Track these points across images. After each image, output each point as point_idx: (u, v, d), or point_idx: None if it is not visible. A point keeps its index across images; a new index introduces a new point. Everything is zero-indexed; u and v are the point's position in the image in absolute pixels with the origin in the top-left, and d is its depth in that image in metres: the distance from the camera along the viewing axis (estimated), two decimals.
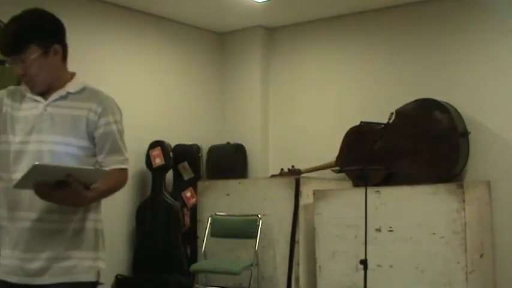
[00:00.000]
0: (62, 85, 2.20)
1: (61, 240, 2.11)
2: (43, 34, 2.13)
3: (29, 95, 2.19)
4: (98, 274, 2.21)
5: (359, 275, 4.04)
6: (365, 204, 3.84)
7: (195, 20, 5.65)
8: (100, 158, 2.20)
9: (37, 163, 1.88)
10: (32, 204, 2.08)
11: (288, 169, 5.29)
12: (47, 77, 2.16)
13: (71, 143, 2.14)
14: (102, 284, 2.24)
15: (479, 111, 4.65)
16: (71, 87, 2.21)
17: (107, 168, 2.17)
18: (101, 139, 2.19)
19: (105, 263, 2.24)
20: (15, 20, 2.13)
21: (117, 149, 2.22)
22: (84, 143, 2.17)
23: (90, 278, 2.17)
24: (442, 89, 4.80)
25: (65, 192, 1.97)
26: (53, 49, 2.15)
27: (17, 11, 2.17)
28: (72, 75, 2.26)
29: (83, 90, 2.23)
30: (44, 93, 2.19)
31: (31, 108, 2.18)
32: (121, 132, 2.26)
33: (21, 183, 1.94)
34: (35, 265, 2.08)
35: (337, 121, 5.29)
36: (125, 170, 2.26)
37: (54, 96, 2.18)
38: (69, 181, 1.95)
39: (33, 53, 2.09)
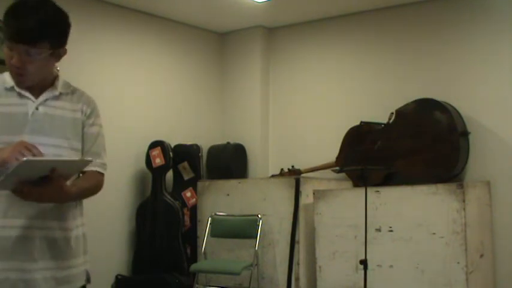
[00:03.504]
0: (50, 83, 2.09)
1: (63, 248, 2.06)
2: (59, 33, 2.00)
3: (15, 88, 2.02)
4: (88, 275, 2.19)
5: (359, 275, 4.04)
6: (365, 204, 3.84)
7: (195, 20, 5.65)
8: None
9: (25, 158, 1.76)
10: (28, 211, 1.97)
11: (288, 169, 5.29)
12: (41, 74, 2.03)
13: (64, 145, 2.06)
14: (89, 283, 2.21)
15: (479, 111, 4.65)
16: (62, 87, 2.12)
17: (88, 169, 2.08)
18: (85, 140, 2.13)
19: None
20: (34, 7, 1.92)
21: (98, 151, 2.15)
22: (79, 144, 2.11)
23: (82, 282, 2.15)
24: (442, 89, 4.80)
25: (48, 189, 1.86)
26: (62, 51, 2.03)
27: None
28: (56, 73, 2.14)
29: (74, 91, 2.16)
30: (30, 89, 2.04)
31: (17, 104, 2.01)
32: (103, 137, 2.20)
33: (4, 182, 1.80)
34: (34, 276, 1.98)
35: (337, 121, 5.28)
36: (102, 175, 2.17)
37: (46, 95, 2.06)
38: (53, 176, 1.84)
39: (43, 50, 1.94)
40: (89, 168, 2.08)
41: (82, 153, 2.11)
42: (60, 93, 2.10)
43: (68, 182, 1.99)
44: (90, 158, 2.04)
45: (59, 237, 2.05)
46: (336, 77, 5.48)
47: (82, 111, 2.12)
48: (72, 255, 2.09)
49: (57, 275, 2.03)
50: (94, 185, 2.13)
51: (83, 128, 2.12)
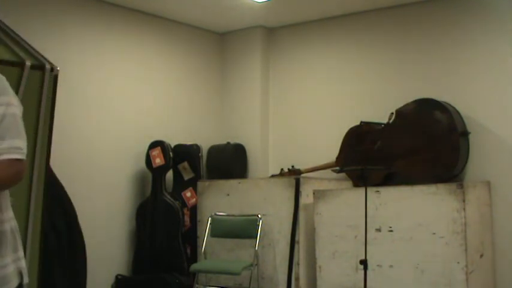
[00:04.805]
0: None
1: None
2: None
3: None
4: (21, 274, 1.99)
5: (359, 275, 4.04)
6: (365, 204, 3.85)
7: (195, 20, 5.65)
8: None
9: None
10: None
11: (288, 169, 5.29)
12: None
13: None
14: (26, 282, 2.01)
15: (479, 111, 4.64)
16: None
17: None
18: None
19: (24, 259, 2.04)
20: None
21: (5, 135, 1.87)
22: None
23: (14, 284, 1.94)
24: (442, 89, 4.80)
25: None
26: None
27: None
28: None
29: None
30: None
31: None
32: (13, 117, 1.91)
33: None
34: None
35: (337, 121, 5.28)
36: (15, 161, 1.88)
37: None
38: None
39: None
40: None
41: None
42: None
43: None
44: None
45: None
46: (336, 77, 5.47)
47: None
48: None
49: None
50: (3, 177, 1.87)
51: None
